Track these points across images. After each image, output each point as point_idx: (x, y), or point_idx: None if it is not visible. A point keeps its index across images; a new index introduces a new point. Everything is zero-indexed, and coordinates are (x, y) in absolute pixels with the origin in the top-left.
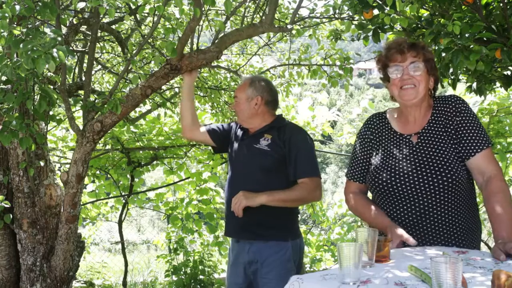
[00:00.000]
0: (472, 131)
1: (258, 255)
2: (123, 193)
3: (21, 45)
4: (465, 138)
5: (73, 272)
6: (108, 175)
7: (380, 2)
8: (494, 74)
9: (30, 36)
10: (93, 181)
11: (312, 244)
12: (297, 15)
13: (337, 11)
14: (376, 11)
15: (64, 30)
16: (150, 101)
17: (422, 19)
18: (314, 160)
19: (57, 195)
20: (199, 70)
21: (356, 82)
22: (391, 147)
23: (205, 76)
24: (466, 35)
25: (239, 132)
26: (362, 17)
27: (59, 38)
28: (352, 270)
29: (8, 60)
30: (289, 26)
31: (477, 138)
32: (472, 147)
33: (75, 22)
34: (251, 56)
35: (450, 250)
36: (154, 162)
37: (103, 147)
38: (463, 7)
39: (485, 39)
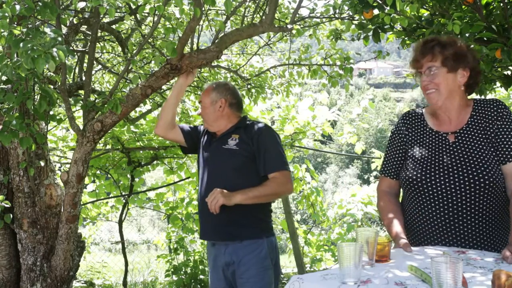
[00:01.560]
0: None
1: (234, 256)
2: (123, 193)
3: (21, 45)
4: (504, 142)
5: (74, 272)
6: (108, 175)
7: (380, 2)
8: (494, 74)
9: (30, 36)
10: (93, 181)
11: (312, 244)
12: (297, 15)
13: (337, 11)
14: (376, 11)
15: (64, 30)
16: (150, 101)
17: (422, 19)
18: (283, 154)
19: (57, 195)
20: (199, 70)
21: (356, 82)
22: (427, 144)
23: (205, 76)
24: (466, 34)
25: (207, 137)
26: (362, 17)
27: (59, 38)
28: (352, 270)
29: (8, 60)
30: (289, 26)
31: None
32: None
33: (75, 22)
34: (251, 56)
35: (450, 250)
36: (154, 162)
37: (103, 146)
38: (463, 6)
39: (485, 39)
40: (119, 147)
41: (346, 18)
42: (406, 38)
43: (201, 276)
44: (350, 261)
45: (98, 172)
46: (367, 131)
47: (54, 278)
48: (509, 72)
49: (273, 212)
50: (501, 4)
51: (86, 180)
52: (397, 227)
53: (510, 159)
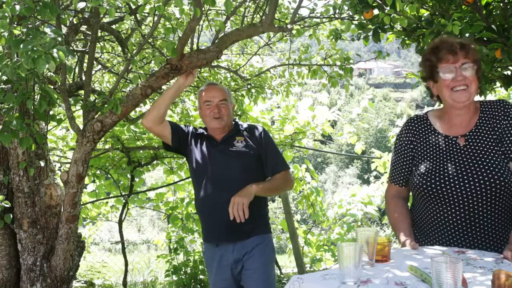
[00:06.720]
0: None
1: (243, 250)
2: (123, 193)
3: (21, 45)
4: (508, 140)
5: (73, 272)
6: (108, 175)
7: (380, 2)
8: (494, 74)
9: (30, 36)
10: (93, 181)
11: (312, 244)
12: (297, 15)
13: (337, 11)
14: (376, 11)
15: (64, 30)
16: (150, 101)
17: (422, 19)
18: (281, 154)
19: (57, 195)
20: (199, 70)
21: (356, 82)
22: (437, 149)
23: (205, 76)
24: (466, 35)
25: (202, 140)
26: (362, 17)
27: (59, 38)
28: (352, 270)
29: (9, 60)
30: (289, 26)
31: None
32: None
33: (75, 22)
34: (251, 56)
35: (450, 250)
36: (154, 162)
37: (103, 146)
38: (463, 7)
39: (485, 39)
40: (119, 146)
41: (346, 18)
42: (406, 38)
43: (201, 276)
44: (350, 261)
45: (98, 172)
46: (367, 131)
47: (54, 278)
48: (509, 72)
49: (273, 212)
50: (501, 4)
51: (86, 180)
52: (405, 231)
53: None
